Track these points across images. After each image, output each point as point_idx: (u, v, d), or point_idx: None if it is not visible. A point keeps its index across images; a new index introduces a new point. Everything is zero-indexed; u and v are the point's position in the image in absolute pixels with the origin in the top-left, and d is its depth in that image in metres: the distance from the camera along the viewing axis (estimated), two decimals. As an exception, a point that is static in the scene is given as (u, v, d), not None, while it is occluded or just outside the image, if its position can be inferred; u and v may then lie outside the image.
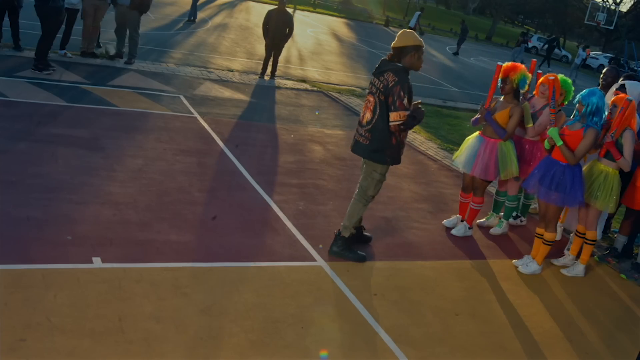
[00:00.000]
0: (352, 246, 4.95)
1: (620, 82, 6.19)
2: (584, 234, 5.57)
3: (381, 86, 4.60)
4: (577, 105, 5.15)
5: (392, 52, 4.70)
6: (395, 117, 4.55)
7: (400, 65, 4.65)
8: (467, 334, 4.23)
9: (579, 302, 5.05)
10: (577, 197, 5.11)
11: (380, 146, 4.70)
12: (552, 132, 5.11)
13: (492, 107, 5.73)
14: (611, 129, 5.38)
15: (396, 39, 4.69)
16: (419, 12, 28.06)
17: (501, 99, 5.76)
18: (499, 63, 5.82)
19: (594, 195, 5.35)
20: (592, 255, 5.80)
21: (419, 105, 4.69)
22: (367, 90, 4.80)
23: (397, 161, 4.84)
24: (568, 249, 5.92)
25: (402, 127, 4.61)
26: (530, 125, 5.81)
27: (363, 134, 4.75)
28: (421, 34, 27.81)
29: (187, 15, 18.41)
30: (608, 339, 4.55)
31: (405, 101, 4.55)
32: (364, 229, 5.28)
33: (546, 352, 4.21)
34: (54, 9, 8.72)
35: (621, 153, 5.32)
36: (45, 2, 8.61)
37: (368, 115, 4.70)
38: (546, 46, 31.64)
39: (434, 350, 3.96)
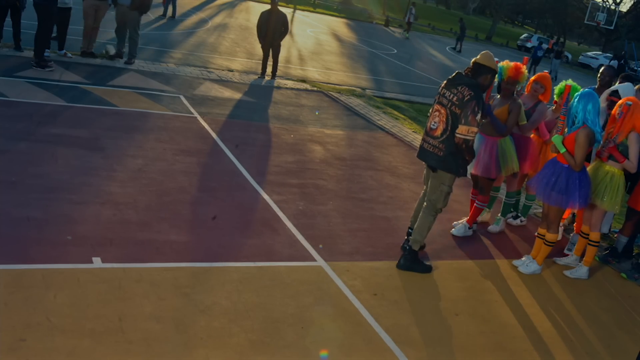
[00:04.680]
0: (418, 258, 5.03)
1: (612, 88, 6.16)
2: (588, 235, 5.57)
3: (455, 99, 4.69)
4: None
5: (470, 67, 4.84)
6: (463, 131, 4.64)
7: (475, 81, 4.77)
8: (467, 334, 4.23)
9: (579, 302, 5.05)
10: (574, 198, 5.10)
11: (453, 157, 4.78)
12: (556, 139, 5.11)
13: (491, 104, 5.77)
14: (612, 133, 5.35)
15: (479, 55, 4.85)
16: (412, 7, 29.23)
17: (498, 97, 5.82)
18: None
19: (601, 196, 5.32)
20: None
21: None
22: (436, 100, 4.88)
23: (465, 172, 4.94)
24: (569, 249, 5.93)
25: (464, 144, 4.69)
26: (524, 122, 5.84)
27: (436, 145, 4.81)
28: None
29: (186, 15, 18.43)
30: (608, 339, 4.55)
31: (478, 117, 4.66)
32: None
33: (546, 352, 4.21)
34: (55, 9, 8.88)
35: (625, 155, 5.30)
36: (53, 2, 8.72)
37: (441, 127, 4.77)
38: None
39: (434, 350, 3.96)
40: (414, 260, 4.98)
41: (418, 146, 5.16)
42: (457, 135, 4.68)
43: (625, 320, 4.93)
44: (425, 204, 5.05)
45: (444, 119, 4.75)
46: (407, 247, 5.01)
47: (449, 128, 4.73)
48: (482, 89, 4.85)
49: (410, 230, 5.27)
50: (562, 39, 36.92)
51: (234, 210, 5.45)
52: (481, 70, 4.82)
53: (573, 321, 4.71)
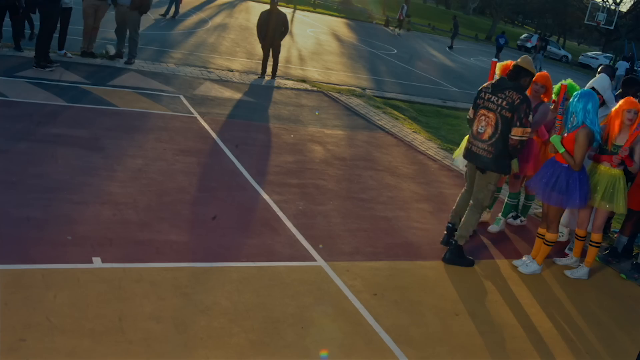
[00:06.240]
0: (464, 253, 5.29)
1: (590, 82, 6.14)
2: (584, 237, 5.56)
3: (505, 103, 4.96)
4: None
5: (513, 69, 5.09)
6: (519, 133, 4.94)
7: (520, 84, 5.04)
8: (467, 334, 4.23)
9: (579, 302, 5.05)
10: (574, 199, 5.10)
11: (502, 158, 5.09)
12: (555, 139, 5.12)
13: None
14: (628, 142, 5.28)
15: (520, 59, 5.14)
16: (404, 5, 30.36)
17: None
18: (494, 59, 5.91)
19: (613, 200, 5.28)
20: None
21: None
22: (479, 105, 5.16)
23: (510, 170, 5.31)
24: (570, 249, 5.93)
25: (520, 144, 4.99)
26: None
27: (486, 147, 5.10)
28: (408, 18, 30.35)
29: (186, 15, 18.43)
30: (608, 339, 4.55)
31: (531, 118, 4.97)
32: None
33: (546, 352, 4.21)
34: (58, 8, 8.91)
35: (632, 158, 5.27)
36: (55, 2, 8.74)
37: (489, 131, 5.06)
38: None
39: (434, 350, 3.96)
40: (459, 255, 5.24)
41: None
42: (513, 137, 4.95)
43: (625, 320, 4.93)
44: (471, 202, 5.32)
45: (493, 123, 5.03)
46: (454, 242, 5.25)
47: (499, 131, 4.99)
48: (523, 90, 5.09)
49: (449, 225, 5.52)
50: (541, 33, 37.32)
51: (234, 210, 5.45)
52: (522, 73, 5.07)
53: (573, 321, 4.71)
